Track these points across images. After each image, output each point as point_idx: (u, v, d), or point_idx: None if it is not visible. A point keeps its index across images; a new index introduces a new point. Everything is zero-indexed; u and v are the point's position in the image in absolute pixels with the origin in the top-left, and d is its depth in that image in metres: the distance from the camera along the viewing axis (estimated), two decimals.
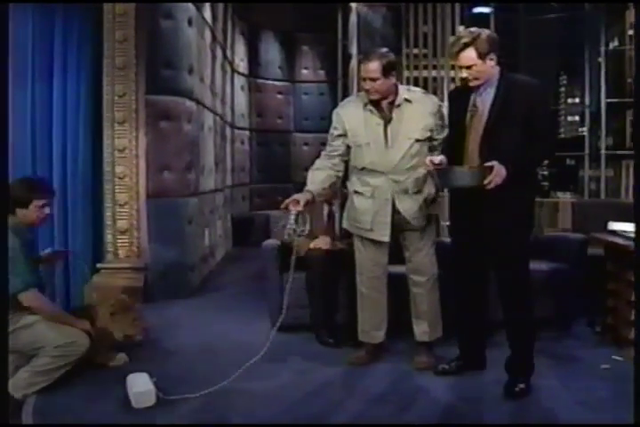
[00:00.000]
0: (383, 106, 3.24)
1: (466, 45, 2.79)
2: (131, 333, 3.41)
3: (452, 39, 2.87)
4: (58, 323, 2.99)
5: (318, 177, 3.28)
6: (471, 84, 2.88)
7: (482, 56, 2.79)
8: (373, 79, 3.14)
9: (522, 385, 2.91)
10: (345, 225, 3.52)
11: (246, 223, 8.59)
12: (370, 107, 3.25)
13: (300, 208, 3.07)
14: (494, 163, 2.71)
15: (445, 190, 3.51)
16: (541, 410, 2.79)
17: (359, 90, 7.05)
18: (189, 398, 2.89)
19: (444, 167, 2.86)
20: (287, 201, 3.09)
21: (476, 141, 2.87)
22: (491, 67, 2.84)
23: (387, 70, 3.14)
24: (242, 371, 2.97)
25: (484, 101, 2.88)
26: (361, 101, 3.29)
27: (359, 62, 3.22)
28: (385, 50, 3.26)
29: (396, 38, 6.90)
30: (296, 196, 3.12)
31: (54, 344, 2.83)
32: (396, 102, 3.22)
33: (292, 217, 3.06)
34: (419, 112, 3.22)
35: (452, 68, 7.16)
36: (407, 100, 3.23)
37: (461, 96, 2.99)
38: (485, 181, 2.69)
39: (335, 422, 2.75)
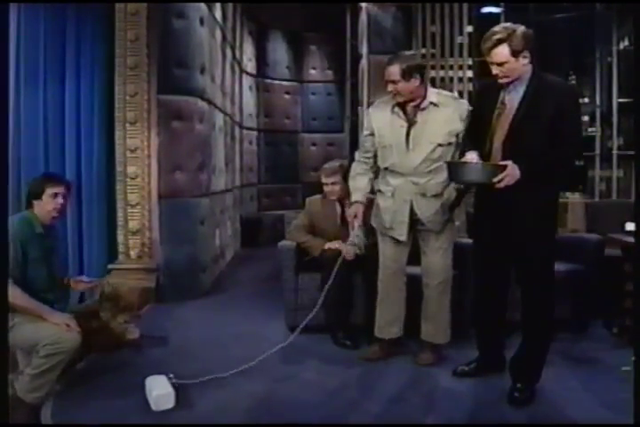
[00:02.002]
0: (409, 109, 3.27)
1: (500, 42, 2.71)
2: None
3: (486, 34, 2.78)
4: (32, 315, 2.86)
5: (361, 183, 3.45)
6: (501, 81, 2.81)
7: (515, 53, 2.71)
8: (394, 82, 3.18)
9: (527, 392, 2.88)
10: (372, 221, 3.58)
11: (254, 224, 8.59)
12: (396, 109, 3.29)
13: (360, 222, 3.38)
14: (508, 162, 2.67)
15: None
16: (565, 412, 2.77)
17: (369, 90, 7.07)
18: (206, 398, 2.92)
19: (455, 161, 2.83)
20: (349, 218, 3.42)
21: (501, 140, 2.82)
22: (523, 65, 2.76)
23: (407, 73, 3.16)
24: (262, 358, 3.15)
25: (512, 100, 2.81)
26: (390, 103, 3.33)
27: (384, 66, 3.22)
28: (410, 53, 3.35)
29: (407, 38, 6.87)
30: (352, 211, 3.40)
31: (42, 343, 2.76)
32: (422, 106, 3.24)
33: (357, 231, 3.45)
34: (445, 116, 3.22)
35: (460, 68, 7.15)
36: (434, 104, 3.24)
37: (490, 92, 2.92)
38: (495, 179, 2.65)
39: (352, 423, 2.74)
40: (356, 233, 3.47)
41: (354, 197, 3.43)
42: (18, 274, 2.89)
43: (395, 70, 3.16)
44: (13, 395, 2.80)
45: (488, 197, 2.92)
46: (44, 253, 3.06)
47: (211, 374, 3.15)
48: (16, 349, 2.96)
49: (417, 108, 3.25)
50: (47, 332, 2.80)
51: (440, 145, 3.22)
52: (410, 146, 3.24)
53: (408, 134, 3.25)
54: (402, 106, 3.27)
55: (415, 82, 3.19)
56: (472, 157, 2.81)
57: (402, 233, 3.33)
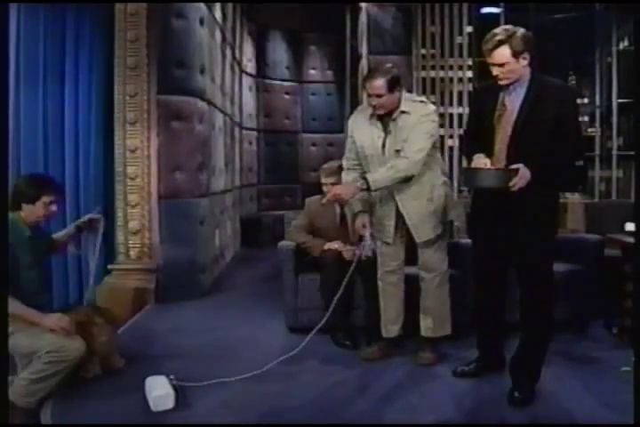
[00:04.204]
0: (385, 119, 3.31)
1: (500, 43, 2.73)
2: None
3: (486, 36, 2.80)
4: (26, 321, 2.84)
5: (348, 178, 3.46)
6: (501, 82, 2.82)
7: (515, 54, 2.73)
8: (379, 95, 3.19)
9: (527, 392, 2.88)
10: None
11: (254, 224, 8.58)
12: (374, 120, 3.34)
13: (369, 230, 3.44)
14: (520, 165, 2.69)
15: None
16: (565, 412, 2.76)
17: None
18: (206, 399, 2.92)
19: (469, 167, 2.85)
20: (358, 229, 3.50)
21: (505, 141, 2.83)
22: (523, 66, 2.78)
23: (392, 86, 3.20)
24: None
25: (512, 101, 2.83)
26: (367, 113, 3.37)
27: (364, 79, 3.26)
28: (389, 65, 3.33)
29: (407, 39, 6.87)
30: (359, 222, 3.48)
31: (46, 350, 2.74)
32: (393, 116, 3.28)
33: (369, 241, 3.46)
34: (408, 124, 3.25)
35: (460, 68, 7.15)
36: (405, 112, 3.27)
37: (490, 93, 2.93)
38: (510, 184, 2.68)
39: (351, 423, 2.75)
40: (368, 243, 3.47)
41: (356, 208, 3.50)
42: (11, 279, 2.81)
43: (380, 84, 3.17)
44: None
45: (487, 198, 2.94)
46: (33, 256, 3.01)
47: (210, 374, 3.15)
48: (12, 351, 2.92)
49: (390, 117, 3.29)
50: (50, 340, 2.79)
51: None
52: (385, 155, 3.29)
53: (384, 144, 3.30)
54: (379, 116, 3.32)
55: (397, 94, 3.24)
56: (485, 161, 2.80)
57: (389, 236, 3.42)
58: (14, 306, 2.80)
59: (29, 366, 2.80)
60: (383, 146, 3.30)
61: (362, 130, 3.38)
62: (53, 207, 3.04)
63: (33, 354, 2.79)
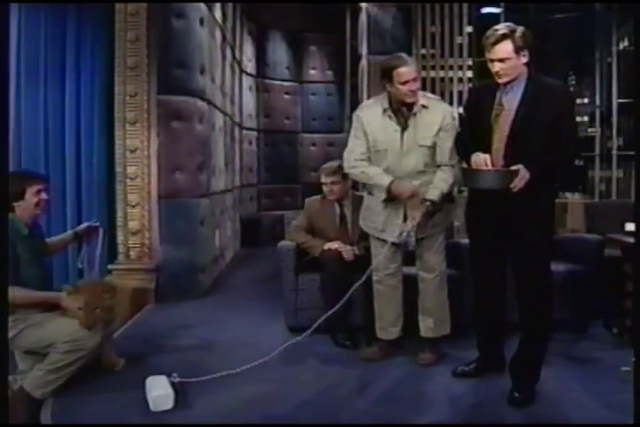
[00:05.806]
0: (403, 112, 3.29)
1: (503, 37, 2.71)
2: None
3: (487, 32, 2.78)
4: (35, 304, 2.91)
5: (377, 169, 3.30)
6: (501, 79, 2.80)
7: (517, 50, 2.72)
8: (415, 79, 3.19)
9: (527, 393, 2.88)
10: (361, 224, 3.60)
11: (254, 224, 8.59)
12: (389, 113, 3.30)
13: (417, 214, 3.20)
14: (520, 166, 2.69)
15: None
16: (565, 412, 2.76)
17: (369, 91, 7.08)
18: (205, 399, 2.93)
19: (470, 168, 2.85)
20: (406, 196, 3.19)
21: (502, 141, 2.83)
22: (522, 64, 2.77)
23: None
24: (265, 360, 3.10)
25: (509, 101, 2.82)
26: (380, 107, 3.32)
27: (395, 67, 3.18)
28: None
29: (407, 39, 6.88)
30: (404, 189, 3.18)
31: (63, 340, 2.81)
32: (414, 110, 3.26)
33: (411, 227, 3.21)
34: (433, 119, 3.25)
35: (460, 68, 7.16)
36: (424, 107, 3.27)
37: (486, 93, 2.92)
38: (512, 185, 2.67)
39: (352, 423, 2.74)
40: (410, 228, 3.21)
41: (386, 180, 3.21)
42: (13, 276, 2.86)
43: (414, 69, 3.20)
44: (18, 391, 2.82)
45: (484, 198, 2.92)
46: (33, 255, 3.04)
47: (210, 374, 3.12)
48: (23, 349, 2.99)
49: (410, 111, 3.27)
50: (67, 330, 2.85)
51: (429, 147, 3.26)
52: (404, 150, 3.27)
53: (402, 138, 3.27)
54: (394, 110, 3.29)
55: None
56: (484, 157, 2.78)
57: (393, 235, 3.36)
58: (27, 293, 2.88)
59: (47, 358, 2.85)
60: (401, 140, 3.27)
61: (374, 124, 3.32)
62: (43, 195, 3.08)
63: (49, 347, 2.84)
